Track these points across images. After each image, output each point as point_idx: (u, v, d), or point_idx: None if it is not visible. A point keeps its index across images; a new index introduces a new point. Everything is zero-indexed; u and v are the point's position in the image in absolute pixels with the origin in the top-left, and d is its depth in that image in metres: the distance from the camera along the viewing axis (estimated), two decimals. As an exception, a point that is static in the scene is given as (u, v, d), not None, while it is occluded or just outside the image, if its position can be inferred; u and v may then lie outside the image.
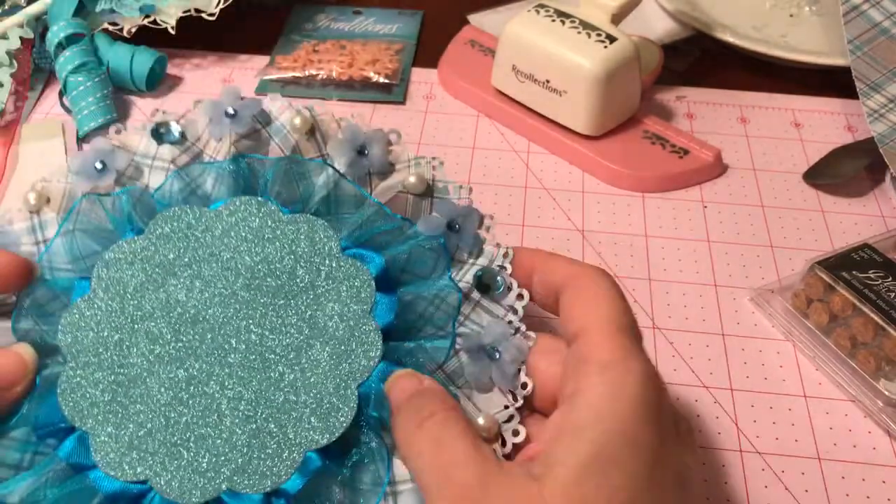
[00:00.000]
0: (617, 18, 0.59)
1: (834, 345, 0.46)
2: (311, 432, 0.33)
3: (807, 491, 0.41)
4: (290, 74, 0.67)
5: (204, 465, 0.32)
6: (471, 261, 0.38)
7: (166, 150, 0.40)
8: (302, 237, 0.37)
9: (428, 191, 0.39)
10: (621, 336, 0.31)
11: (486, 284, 0.37)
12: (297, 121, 0.40)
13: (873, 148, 0.58)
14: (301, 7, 0.75)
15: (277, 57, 0.69)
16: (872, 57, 0.61)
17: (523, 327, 0.36)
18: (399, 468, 0.32)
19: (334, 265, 0.36)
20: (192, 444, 0.32)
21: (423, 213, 0.39)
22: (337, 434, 0.33)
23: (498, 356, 0.34)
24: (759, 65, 0.68)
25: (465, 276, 0.37)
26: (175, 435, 0.33)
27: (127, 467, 0.32)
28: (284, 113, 0.41)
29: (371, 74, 0.67)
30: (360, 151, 0.39)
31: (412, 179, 0.39)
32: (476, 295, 0.37)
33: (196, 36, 0.73)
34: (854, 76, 0.60)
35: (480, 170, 0.60)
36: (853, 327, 0.46)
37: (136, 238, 0.37)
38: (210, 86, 0.67)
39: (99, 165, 0.39)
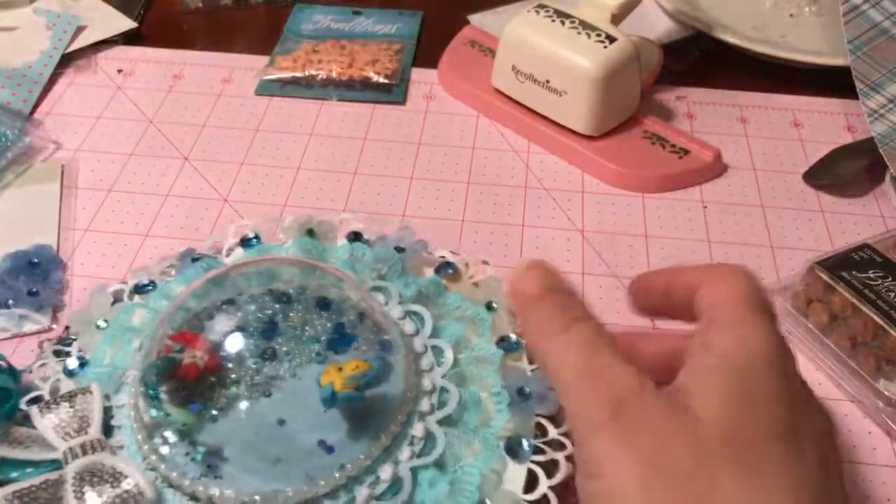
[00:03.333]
0: (617, 18, 0.59)
1: (834, 345, 0.46)
2: None
3: (807, 491, 0.41)
4: (289, 74, 0.67)
5: None
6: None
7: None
8: None
9: None
10: (752, 305, 0.30)
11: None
12: None
13: (873, 148, 0.58)
14: (301, 7, 0.75)
15: (277, 57, 0.69)
16: (872, 57, 0.61)
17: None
18: None
19: None
20: None
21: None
22: None
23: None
24: (759, 65, 0.68)
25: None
26: None
27: None
28: None
29: (371, 74, 0.67)
30: None
31: None
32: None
33: (196, 36, 0.73)
34: (854, 76, 0.60)
35: (480, 170, 0.60)
36: (853, 327, 0.46)
37: None
38: (210, 85, 0.67)
39: None
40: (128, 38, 0.71)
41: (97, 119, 0.63)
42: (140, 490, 0.33)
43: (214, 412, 0.36)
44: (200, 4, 0.75)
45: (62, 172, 0.58)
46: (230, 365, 0.37)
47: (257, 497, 0.34)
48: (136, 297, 0.45)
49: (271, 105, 0.65)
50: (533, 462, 0.37)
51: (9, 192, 0.56)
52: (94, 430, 0.36)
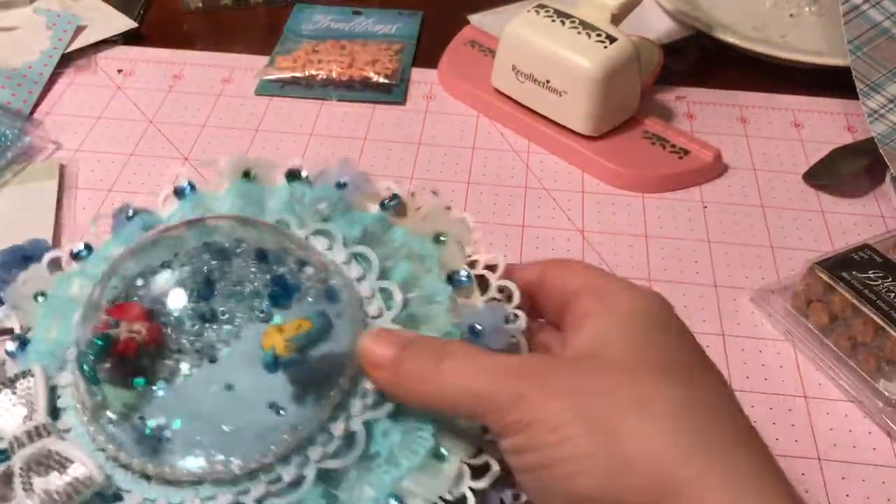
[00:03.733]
0: (617, 18, 0.59)
1: (834, 345, 0.46)
2: None
3: (807, 491, 0.41)
4: (289, 74, 0.67)
5: None
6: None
7: None
8: None
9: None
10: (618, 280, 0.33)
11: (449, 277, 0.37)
12: None
13: (873, 148, 0.58)
14: (301, 7, 0.75)
15: (277, 57, 0.69)
16: (872, 57, 0.61)
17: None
18: None
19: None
20: None
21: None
22: None
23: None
24: (759, 65, 0.68)
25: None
26: None
27: None
28: None
29: (371, 74, 0.67)
30: None
31: None
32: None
33: (196, 36, 0.73)
34: (854, 76, 0.60)
35: (480, 170, 0.60)
36: (853, 327, 0.46)
37: None
38: (210, 85, 0.67)
39: None
40: (128, 38, 0.71)
41: (97, 119, 0.63)
42: (88, 475, 0.33)
43: (158, 385, 0.35)
44: (200, 4, 0.75)
45: (60, 170, 0.58)
46: (171, 332, 0.35)
47: (208, 468, 0.33)
48: (74, 265, 0.42)
49: (271, 105, 0.65)
50: None
51: (7, 191, 0.57)
52: (40, 415, 0.35)
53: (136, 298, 0.36)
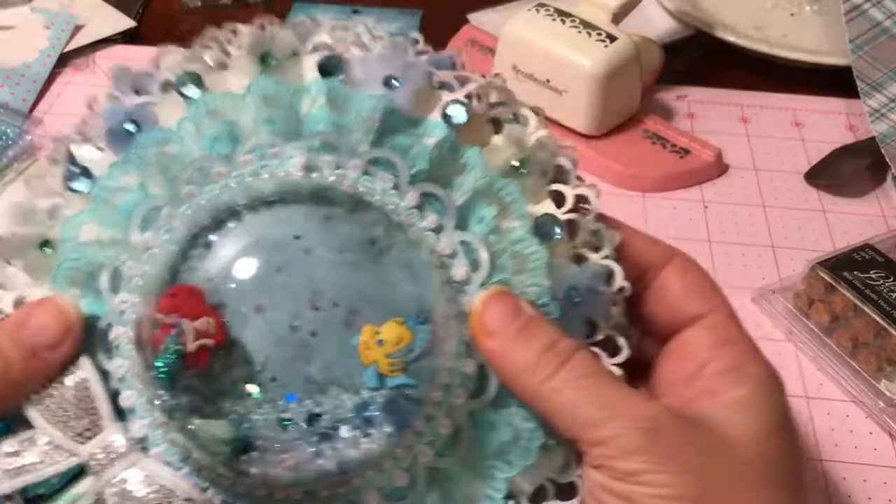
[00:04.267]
0: (617, 17, 0.59)
1: (835, 345, 0.46)
2: None
3: (807, 492, 0.41)
4: (289, 74, 0.67)
5: None
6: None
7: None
8: None
9: None
10: (747, 334, 0.32)
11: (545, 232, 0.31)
12: None
13: (875, 147, 0.57)
14: (300, 6, 0.75)
15: (277, 56, 0.68)
16: (873, 56, 0.61)
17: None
18: None
19: None
20: None
21: None
22: None
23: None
24: (760, 64, 0.68)
25: None
26: None
27: None
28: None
29: (371, 74, 0.66)
30: None
31: None
32: None
33: (195, 35, 0.73)
34: (855, 76, 0.60)
35: (480, 169, 0.59)
36: (854, 328, 0.46)
37: None
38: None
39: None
40: (126, 37, 0.71)
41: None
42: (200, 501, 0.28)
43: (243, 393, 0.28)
44: (199, 3, 0.75)
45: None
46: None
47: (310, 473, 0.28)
48: (75, 199, 0.32)
49: (270, 104, 0.65)
50: (592, 345, 0.31)
51: (11, 188, 0.57)
52: (109, 423, 0.29)
53: (191, 275, 0.29)
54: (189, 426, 0.28)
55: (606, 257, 0.32)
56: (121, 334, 0.30)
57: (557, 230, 0.31)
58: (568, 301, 0.30)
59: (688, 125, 0.63)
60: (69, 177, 0.32)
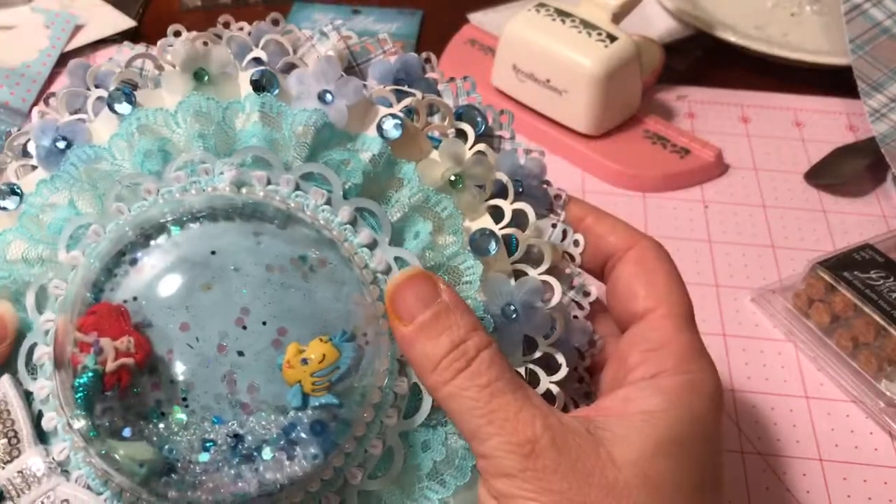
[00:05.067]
0: (618, 17, 0.59)
1: (835, 345, 0.46)
2: None
3: (808, 492, 0.41)
4: (289, 73, 0.67)
5: None
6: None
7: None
8: None
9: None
10: (691, 328, 0.31)
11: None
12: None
13: (875, 147, 0.57)
14: (300, 6, 0.75)
15: (277, 56, 0.68)
16: (874, 56, 0.61)
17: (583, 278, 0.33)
18: None
19: None
20: None
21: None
22: None
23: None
24: (760, 64, 0.68)
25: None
26: None
27: None
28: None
29: (371, 73, 0.66)
30: None
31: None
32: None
33: (195, 35, 0.73)
34: (855, 75, 0.60)
35: (480, 169, 0.59)
36: (855, 328, 0.46)
37: None
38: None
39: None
40: (126, 37, 0.71)
41: (96, 118, 0.63)
42: None
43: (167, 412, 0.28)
44: (199, 3, 0.75)
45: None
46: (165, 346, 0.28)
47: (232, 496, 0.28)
48: (2, 217, 0.32)
49: (270, 104, 0.65)
50: (530, 363, 0.31)
51: None
52: (26, 445, 0.29)
53: (110, 291, 0.29)
54: (106, 449, 0.28)
55: (546, 272, 0.32)
56: (43, 354, 0.30)
57: (493, 245, 0.31)
58: (504, 317, 0.30)
59: (688, 125, 0.63)
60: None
